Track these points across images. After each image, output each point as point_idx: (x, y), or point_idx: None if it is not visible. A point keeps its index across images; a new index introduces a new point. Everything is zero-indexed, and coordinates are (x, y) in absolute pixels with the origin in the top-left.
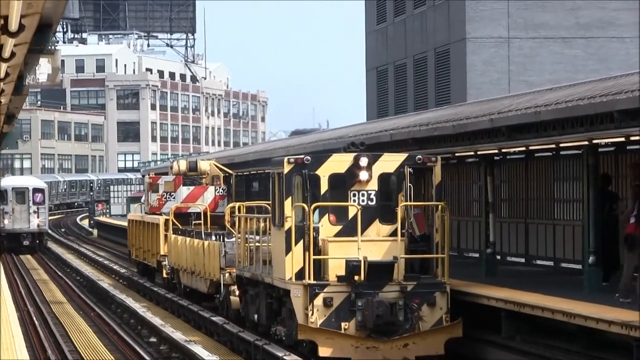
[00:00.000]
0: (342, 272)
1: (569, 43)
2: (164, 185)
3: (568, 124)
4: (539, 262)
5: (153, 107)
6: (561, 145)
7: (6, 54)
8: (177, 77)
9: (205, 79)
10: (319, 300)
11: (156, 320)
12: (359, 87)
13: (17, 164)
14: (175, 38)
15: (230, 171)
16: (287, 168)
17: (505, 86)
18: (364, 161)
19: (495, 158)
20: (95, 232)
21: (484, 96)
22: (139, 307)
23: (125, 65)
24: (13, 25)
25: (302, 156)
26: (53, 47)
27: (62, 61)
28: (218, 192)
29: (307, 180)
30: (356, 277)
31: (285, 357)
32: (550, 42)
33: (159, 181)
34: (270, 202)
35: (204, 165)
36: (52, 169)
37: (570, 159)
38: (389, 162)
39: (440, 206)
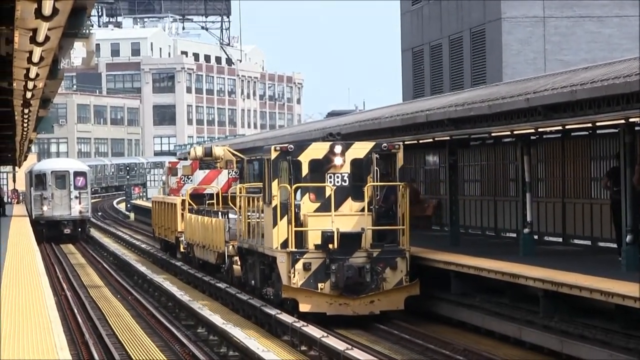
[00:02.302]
0: (319, 242)
1: (604, 22)
2: (182, 169)
3: (604, 103)
4: (576, 241)
5: (189, 90)
6: (597, 124)
7: (40, 38)
8: (213, 60)
9: (240, 61)
10: (299, 265)
11: (194, 304)
12: (394, 67)
13: (53, 149)
14: (210, 21)
15: (242, 156)
16: (274, 155)
17: (541, 65)
18: (338, 149)
19: (532, 138)
20: (132, 215)
21: (519, 76)
22: (177, 290)
23: (160, 48)
24: (47, 9)
25: (286, 144)
26: (87, 31)
27: (97, 45)
28: (231, 174)
29: (291, 164)
30: (330, 246)
31: (323, 339)
32: (585, 20)
33: (178, 165)
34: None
35: (218, 150)
36: (88, 153)
37: (607, 137)
38: (360, 149)
39: (401, 186)
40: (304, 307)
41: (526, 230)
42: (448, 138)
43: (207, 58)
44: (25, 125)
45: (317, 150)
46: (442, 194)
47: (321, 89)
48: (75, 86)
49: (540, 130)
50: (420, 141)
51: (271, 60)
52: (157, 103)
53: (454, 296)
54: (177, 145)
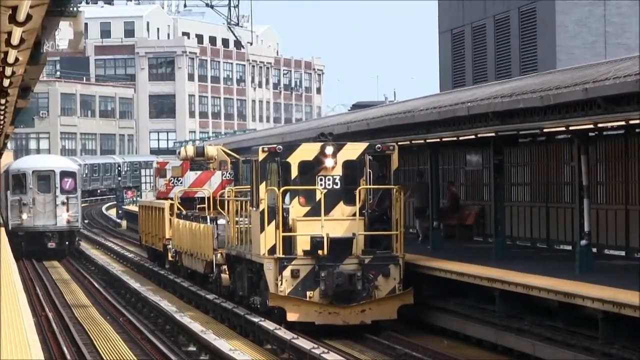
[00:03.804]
0: (308, 247)
1: None
2: (171, 170)
3: None
4: None
5: (191, 77)
6: None
7: (21, 16)
8: (219, 43)
9: (251, 44)
10: (287, 272)
11: (195, 326)
12: (430, 52)
13: (32, 145)
14: None
15: (238, 156)
16: (261, 156)
17: (600, 50)
18: (329, 150)
19: (590, 134)
20: (124, 223)
21: (576, 62)
22: (175, 310)
23: (158, 29)
24: None
25: (274, 145)
26: (75, 9)
27: (86, 25)
28: (225, 176)
29: (280, 166)
30: (320, 252)
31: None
32: None
33: (167, 166)
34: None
35: (211, 150)
36: (73, 150)
37: None
38: (352, 150)
39: (395, 189)
40: (291, 316)
41: (583, 242)
42: (493, 134)
43: (213, 40)
44: (1, 117)
45: (307, 152)
46: (485, 199)
47: (345, 77)
48: (58, 72)
49: (600, 125)
50: (461, 138)
51: (287, 44)
52: (154, 92)
53: (499, 318)
54: (176, 142)
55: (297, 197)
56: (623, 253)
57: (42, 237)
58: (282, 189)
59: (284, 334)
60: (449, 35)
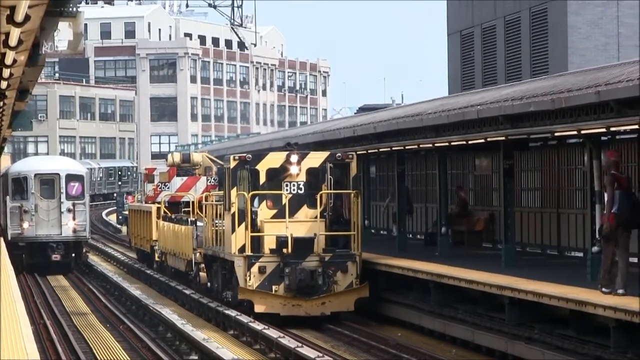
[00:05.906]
0: (274, 246)
1: None
2: (159, 176)
3: None
4: None
5: (193, 79)
6: None
7: (19, 17)
8: (222, 44)
9: (255, 45)
10: (255, 268)
11: (197, 334)
12: (439, 54)
13: (31, 148)
14: None
15: (222, 163)
16: (232, 164)
17: (613, 52)
18: (294, 158)
19: (603, 138)
20: (124, 229)
21: (588, 64)
22: (177, 318)
23: (159, 29)
24: None
25: (244, 154)
26: (75, 9)
27: (85, 25)
28: (210, 182)
29: (249, 173)
30: (284, 250)
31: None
32: None
33: (155, 172)
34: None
35: (197, 156)
36: (73, 154)
37: None
38: (315, 158)
39: (353, 194)
40: (259, 308)
41: (595, 249)
42: (503, 138)
43: (215, 41)
44: None
45: (274, 160)
46: (495, 205)
47: (351, 79)
48: (57, 74)
49: (612, 129)
50: (470, 142)
51: (292, 45)
52: (155, 95)
53: (509, 327)
54: (178, 146)
55: (264, 201)
56: (635, 260)
57: (46, 249)
58: (251, 194)
59: (287, 342)
60: (458, 36)
